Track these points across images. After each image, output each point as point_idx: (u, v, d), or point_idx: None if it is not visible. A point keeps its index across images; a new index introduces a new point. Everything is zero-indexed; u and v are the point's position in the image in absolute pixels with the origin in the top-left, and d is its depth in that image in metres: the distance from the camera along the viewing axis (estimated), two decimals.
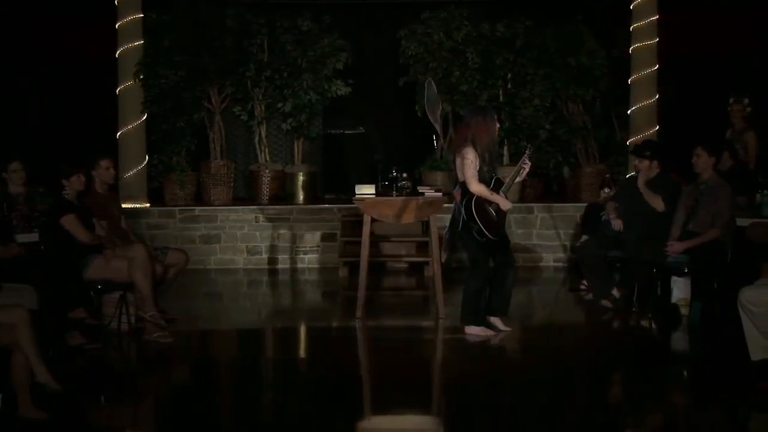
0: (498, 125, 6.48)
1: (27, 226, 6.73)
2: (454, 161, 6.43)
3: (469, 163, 6.24)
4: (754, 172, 8.67)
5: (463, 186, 6.31)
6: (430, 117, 6.70)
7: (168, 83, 10.09)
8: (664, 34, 10.25)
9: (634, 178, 8.28)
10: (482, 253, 6.40)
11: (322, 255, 9.98)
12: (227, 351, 6.73)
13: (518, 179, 6.56)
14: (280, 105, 10.25)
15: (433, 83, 6.82)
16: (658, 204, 7.24)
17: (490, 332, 6.50)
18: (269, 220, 10.01)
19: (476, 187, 6.25)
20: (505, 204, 6.33)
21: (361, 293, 7.15)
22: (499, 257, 6.52)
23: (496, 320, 6.62)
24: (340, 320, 7.63)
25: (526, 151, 6.55)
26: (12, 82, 11.39)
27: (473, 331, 6.46)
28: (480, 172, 6.29)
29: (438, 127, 7.02)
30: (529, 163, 6.49)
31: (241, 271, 9.83)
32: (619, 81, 10.56)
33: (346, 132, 11.92)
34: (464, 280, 6.64)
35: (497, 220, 6.35)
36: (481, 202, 6.28)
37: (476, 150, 6.27)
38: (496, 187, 6.36)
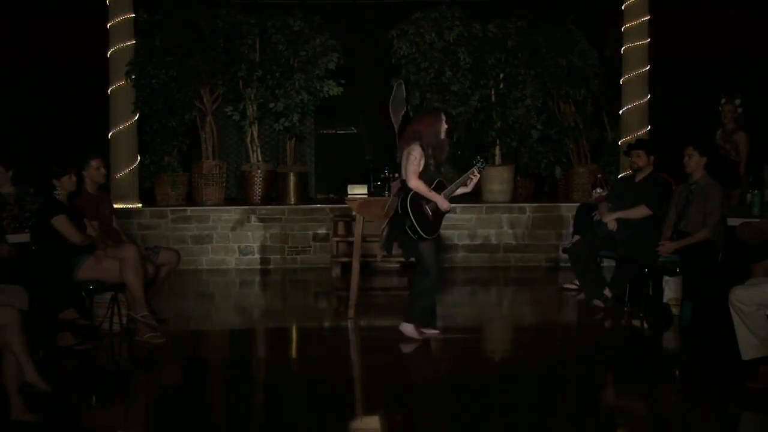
0: (446, 126, 6.37)
1: (18, 227, 6.71)
2: (400, 158, 6.39)
3: (413, 160, 6.23)
4: (744, 171, 8.72)
5: (403, 182, 6.31)
6: (392, 117, 6.74)
7: (159, 83, 10.07)
8: (656, 34, 10.28)
9: (625, 178, 8.31)
10: (430, 252, 6.34)
11: (314, 255, 9.98)
12: (219, 351, 6.72)
13: (465, 189, 6.47)
14: (272, 105, 10.24)
15: (403, 86, 6.84)
16: (642, 212, 7.29)
17: (425, 334, 6.40)
18: (261, 220, 10.00)
19: (414, 183, 6.22)
20: (443, 204, 6.28)
21: (354, 293, 7.15)
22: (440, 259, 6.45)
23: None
24: (332, 320, 7.63)
25: (477, 164, 6.46)
26: (2, 81, 11.36)
27: (406, 329, 6.41)
28: (426, 170, 6.27)
29: (396, 129, 7.05)
30: (478, 176, 6.42)
31: (233, 272, 9.82)
32: (611, 81, 10.59)
33: (338, 132, 11.93)
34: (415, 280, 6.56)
35: (432, 221, 6.30)
36: (418, 199, 6.24)
37: (423, 148, 6.26)
38: (438, 189, 6.30)
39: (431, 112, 6.48)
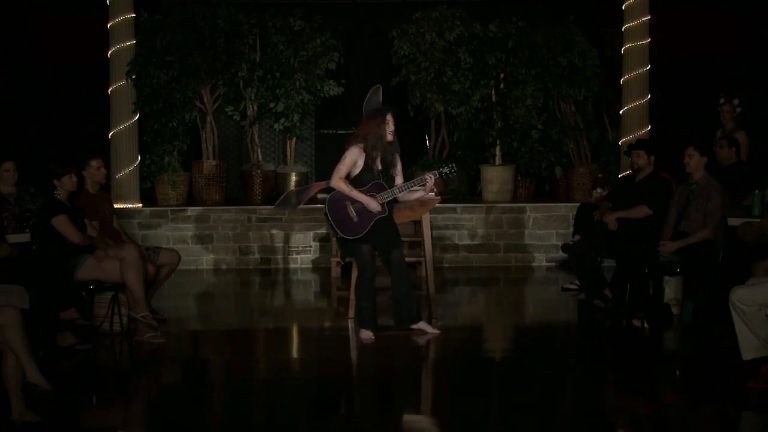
0: (392, 127, 6.31)
1: (18, 227, 6.71)
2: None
3: (344, 159, 6.26)
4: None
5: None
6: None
7: (160, 83, 10.07)
8: (656, 34, 10.28)
9: (626, 178, 8.31)
10: (363, 254, 6.31)
11: (315, 255, 9.98)
12: (219, 351, 6.72)
13: (415, 195, 6.39)
14: (272, 105, 10.24)
15: (380, 91, 6.84)
16: (642, 212, 7.28)
17: (372, 337, 6.38)
18: (262, 220, 10.00)
19: (336, 182, 6.25)
20: (369, 203, 6.21)
21: (354, 293, 7.13)
22: (384, 261, 6.39)
23: (423, 325, 6.55)
24: (332, 320, 7.63)
25: (441, 168, 6.39)
26: (3, 81, 11.37)
27: (362, 334, 6.43)
28: (368, 172, 6.26)
29: None
30: (432, 179, 6.28)
31: (234, 272, 9.82)
32: (611, 81, 10.59)
33: (339, 132, 11.93)
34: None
35: (357, 222, 6.24)
36: (340, 198, 6.25)
37: (366, 151, 6.24)
38: (374, 189, 6.27)
39: (376, 115, 6.34)
